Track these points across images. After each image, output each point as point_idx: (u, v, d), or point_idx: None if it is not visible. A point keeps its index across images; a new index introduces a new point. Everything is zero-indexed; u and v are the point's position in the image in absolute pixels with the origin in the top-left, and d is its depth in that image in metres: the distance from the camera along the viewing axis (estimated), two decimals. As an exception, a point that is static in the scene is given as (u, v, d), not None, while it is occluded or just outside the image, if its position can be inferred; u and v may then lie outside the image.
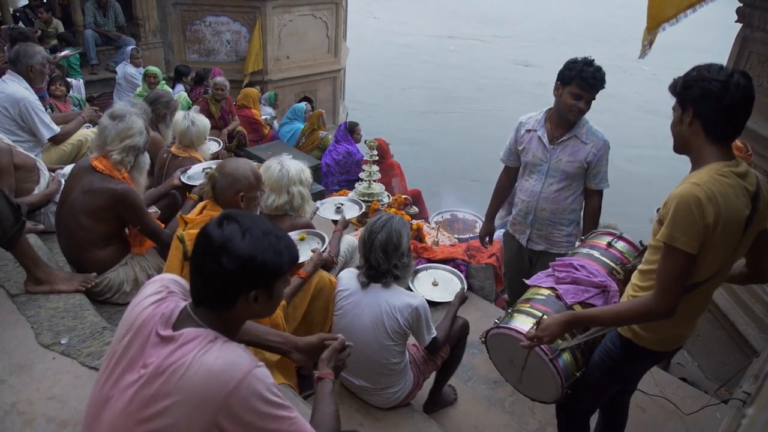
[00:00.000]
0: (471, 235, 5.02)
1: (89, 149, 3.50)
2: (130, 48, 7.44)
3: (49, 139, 3.69)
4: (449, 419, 2.70)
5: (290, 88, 9.26)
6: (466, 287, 2.72)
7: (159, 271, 2.73)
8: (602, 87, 2.68)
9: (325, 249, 2.57)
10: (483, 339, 2.27)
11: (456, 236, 4.95)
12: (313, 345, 1.64)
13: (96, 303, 2.61)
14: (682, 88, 1.70)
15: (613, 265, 2.32)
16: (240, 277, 1.24)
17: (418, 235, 4.38)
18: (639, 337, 1.88)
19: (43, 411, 1.89)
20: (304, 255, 2.46)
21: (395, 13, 25.89)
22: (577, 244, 2.71)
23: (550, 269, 2.36)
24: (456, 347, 2.56)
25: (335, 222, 3.11)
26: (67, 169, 3.19)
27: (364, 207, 3.51)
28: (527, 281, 2.40)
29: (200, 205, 2.40)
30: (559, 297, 2.18)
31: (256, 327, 1.69)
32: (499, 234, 4.01)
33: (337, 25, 9.50)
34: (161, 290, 1.34)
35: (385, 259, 2.20)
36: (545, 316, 2.08)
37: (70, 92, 6.04)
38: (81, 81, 6.89)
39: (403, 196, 5.29)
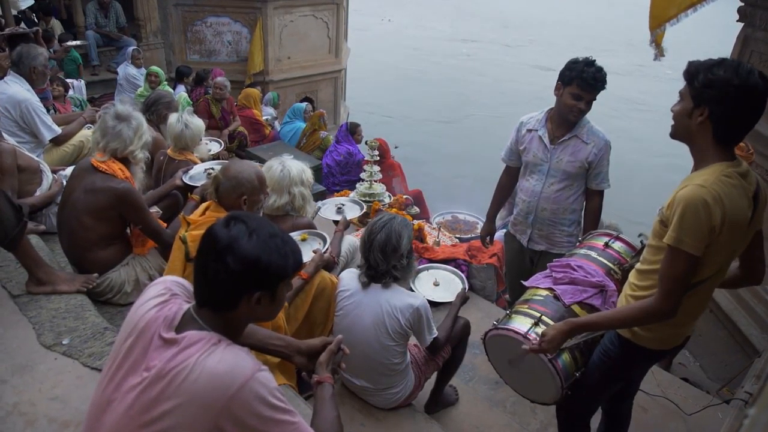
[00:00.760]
0: (472, 236, 5.02)
1: (90, 150, 3.50)
2: (131, 49, 7.45)
3: (51, 140, 3.69)
4: (451, 419, 2.70)
5: (291, 88, 9.27)
6: (467, 287, 2.72)
7: (160, 272, 2.74)
8: (603, 88, 2.68)
9: (327, 249, 2.57)
10: (483, 340, 2.26)
11: (457, 236, 4.95)
12: (315, 348, 1.64)
13: (97, 303, 2.62)
14: (702, 85, 1.63)
15: (610, 265, 2.33)
16: (244, 277, 1.24)
17: (420, 235, 4.38)
18: (638, 336, 1.88)
19: (44, 411, 1.90)
20: (306, 255, 2.45)
21: (413, 17, 25.70)
22: (576, 245, 2.71)
23: (547, 270, 2.36)
24: (457, 347, 2.55)
25: (336, 222, 3.11)
26: (69, 170, 3.19)
27: (365, 207, 3.51)
28: (525, 282, 2.40)
29: (203, 206, 2.40)
30: (557, 297, 2.18)
31: (258, 331, 1.68)
32: (500, 234, 4.01)
33: (338, 25, 9.50)
34: (164, 292, 1.34)
35: (384, 260, 2.19)
36: (543, 317, 2.08)
37: (71, 93, 6.04)
38: (82, 82, 6.89)
39: (404, 197, 5.29)
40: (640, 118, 13.55)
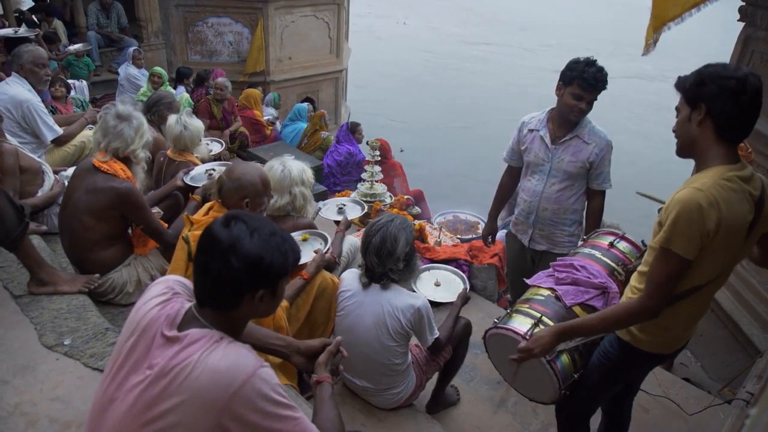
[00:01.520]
0: (473, 236, 5.02)
1: (92, 150, 3.51)
2: (132, 49, 7.46)
3: (52, 141, 3.70)
4: (452, 419, 2.71)
5: (292, 88, 9.28)
6: (468, 287, 2.72)
7: (162, 272, 2.74)
8: (604, 88, 2.67)
9: (328, 249, 2.57)
10: (483, 338, 2.26)
11: (458, 236, 4.95)
12: (314, 349, 1.64)
13: (99, 304, 2.62)
14: (694, 85, 1.63)
15: (614, 265, 2.31)
16: (248, 276, 1.25)
17: (421, 236, 4.38)
18: (637, 339, 1.87)
19: (46, 412, 1.90)
20: (307, 256, 2.46)
21: (427, 19, 25.51)
22: (580, 243, 2.70)
23: (550, 269, 2.34)
24: (458, 348, 2.56)
25: (337, 223, 3.11)
26: (70, 170, 3.20)
27: (366, 207, 3.51)
28: (527, 281, 2.39)
29: (207, 206, 2.40)
30: (558, 298, 2.17)
31: (257, 330, 1.68)
32: (501, 234, 4.01)
33: (338, 25, 9.51)
34: (166, 291, 1.35)
35: (379, 263, 2.19)
36: (544, 318, 2.08)
37: (73, 93, 6.04)
38: (84, 82, 6.89)
39: (405, 197, 5.29)
40: (668, 123, 13.29)
